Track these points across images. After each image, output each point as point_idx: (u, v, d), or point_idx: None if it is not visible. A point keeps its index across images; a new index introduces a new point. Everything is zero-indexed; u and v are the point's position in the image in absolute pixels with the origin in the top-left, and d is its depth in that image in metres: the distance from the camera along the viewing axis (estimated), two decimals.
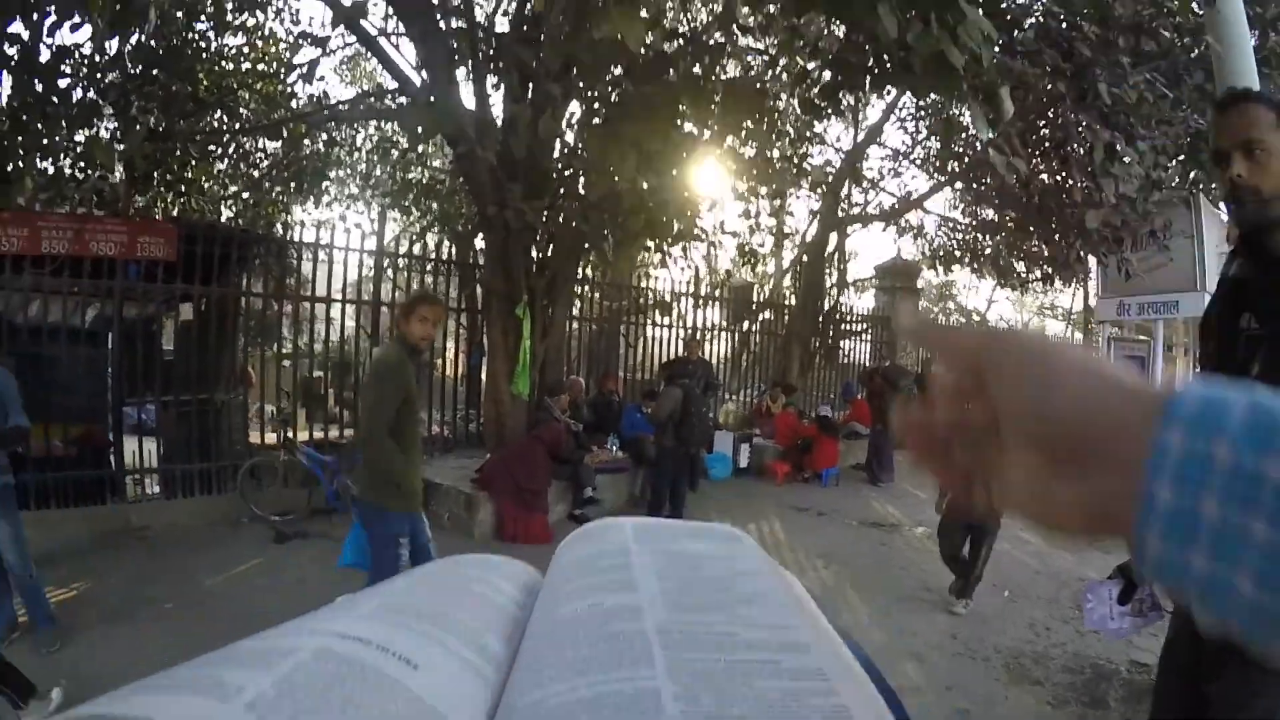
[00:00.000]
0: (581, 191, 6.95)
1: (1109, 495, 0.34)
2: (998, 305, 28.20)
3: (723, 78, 6.44)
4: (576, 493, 7.23)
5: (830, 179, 11.67)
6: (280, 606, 4.64)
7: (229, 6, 9.45)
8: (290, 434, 7.41)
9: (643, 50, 5.57)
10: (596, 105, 6.41)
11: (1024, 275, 12.11)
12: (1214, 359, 1.67)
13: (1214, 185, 9.17)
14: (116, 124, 7.90)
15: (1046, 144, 8.23)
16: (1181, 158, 9.05)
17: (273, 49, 10.78)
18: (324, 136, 11.67)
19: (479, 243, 9.19)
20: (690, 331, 10.88)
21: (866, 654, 0.45)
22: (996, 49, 7.14)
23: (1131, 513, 0.33)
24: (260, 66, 10.61)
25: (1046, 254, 9.94)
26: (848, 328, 14.29)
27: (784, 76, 8.40)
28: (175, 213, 10.10)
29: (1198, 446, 0.31)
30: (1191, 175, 9.64)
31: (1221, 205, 9.33)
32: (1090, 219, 7.42)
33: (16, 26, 4.99)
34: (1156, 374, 9.97)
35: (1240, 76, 5.35)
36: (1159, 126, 7.84)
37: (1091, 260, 10.25)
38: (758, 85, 6.27)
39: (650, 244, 7.79)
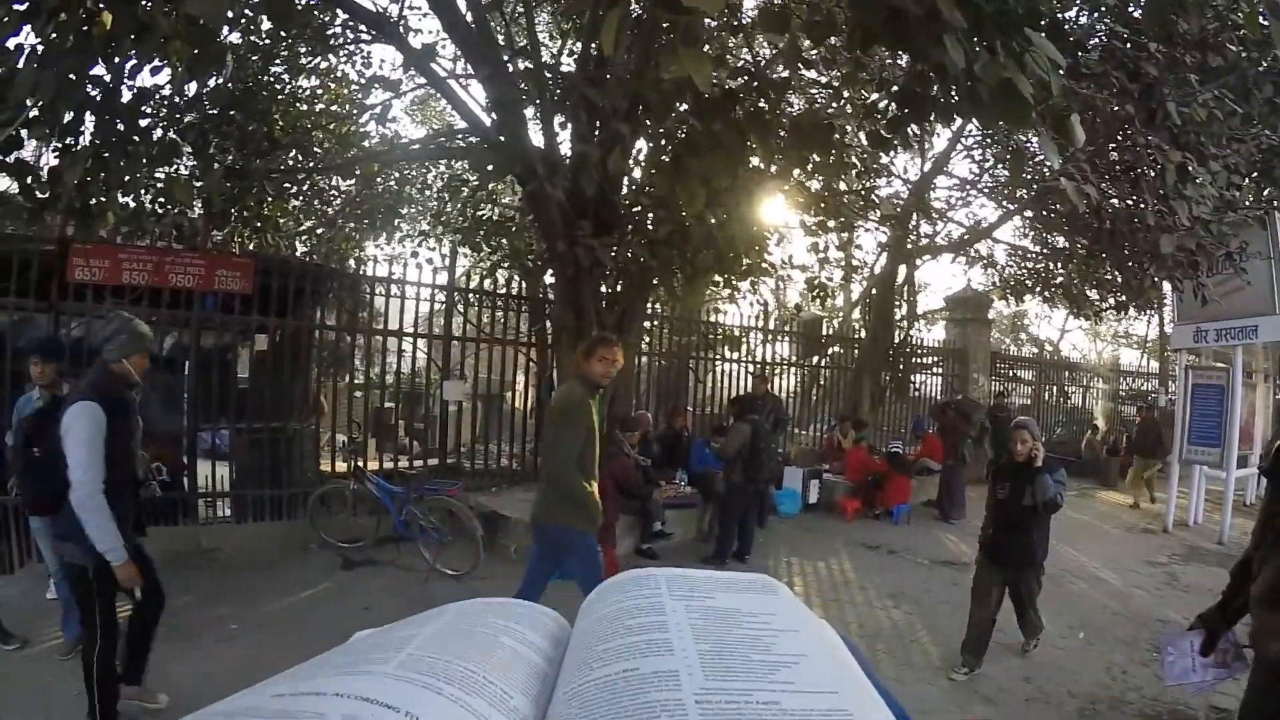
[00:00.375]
0: (650, 228, 7.03)
1: None
2: (1071, 335, 27.47)
3: (788, 112, 6.48)
4: (645, 527, 7.26)
5: (898, 212, 11.60)
6: (346, 633, 4.79)
7: (303, 50, 9.82)
8: (360, 463, 7.62)
9: (710, 86, 5.66)
10: (664, 142, 6.50)
11: (1097, 303, 11.79)
12: None
13: None
14: (195, 162, 8.24)
15: (1116, 167, 8.05)
16: (1255, 175, 8.77)
17: (345, 91, 11.17)
18: (395, 174, 12.00)
19: (549, 278, 9.33)
20: (759, 367, 10.86)
21: (908, 716, 0.46)
22: (1063, 75, 7.08)
23: None
24: (334, 108, 10.97)
25: (1119, 281, 9.68)
26: (918, 361, 14.17)
27: (849, 109, 8.41)
28: (252, 247, 10.49)
29: None
30: (1266, 193, 9.34)
31: None
32: (1164, 243, 7.22)
33: (99, 69, 5.25)
34: (1236, 403, 9.63)
35: None
36: (1230, 144, 7.62)
37: (1166, 286, 9.97)
38: (823, 119, 6.30)
39: (719, 279, 7.83)
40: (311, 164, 10.78)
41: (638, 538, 7.29)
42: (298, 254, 11.59)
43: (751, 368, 10.80)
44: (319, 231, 12.30)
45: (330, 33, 9.58)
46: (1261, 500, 1.90)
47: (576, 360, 4.40)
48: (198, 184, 7.99)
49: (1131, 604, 6.69)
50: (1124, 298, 10.26)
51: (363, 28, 8.79)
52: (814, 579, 6.95)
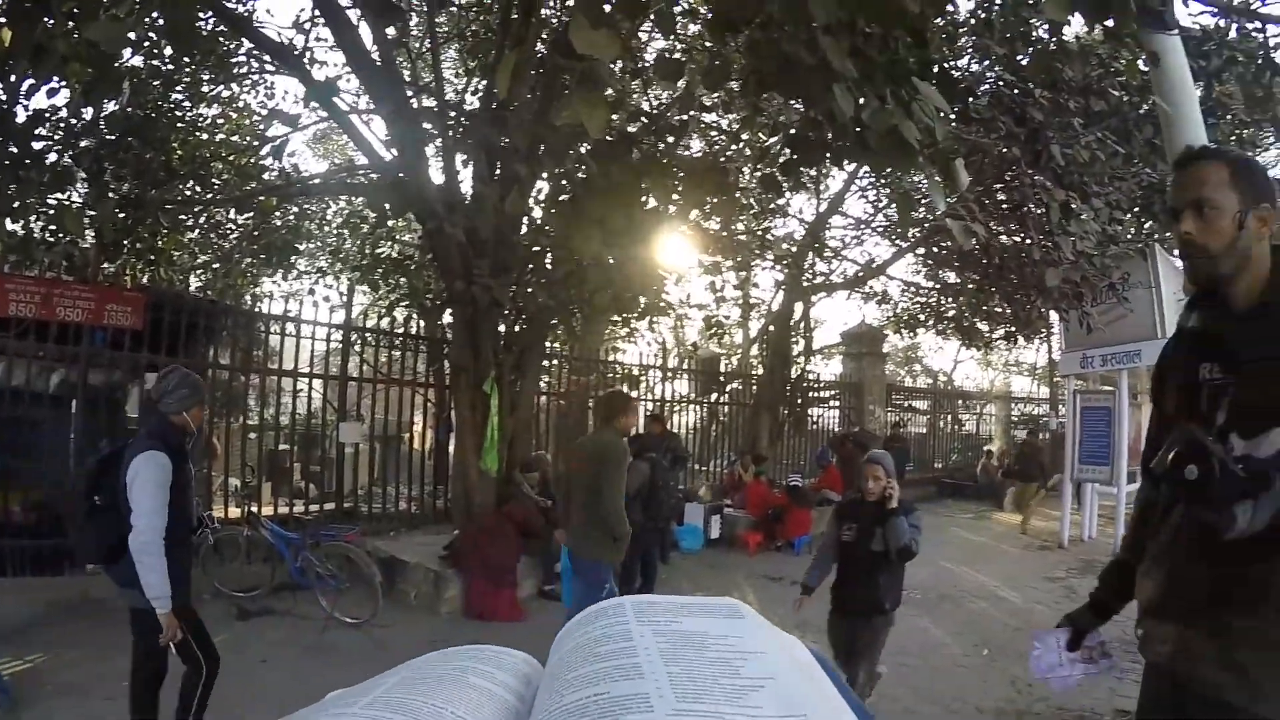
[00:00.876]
0: (548, 267, 7.02)
1: None
2: (964, 365, 28.42)
3: (685, 155, 6.56)
4: (547, 569, 7.15)
5: (794, 251, 11.87)
6: (242, 687, 4.55)
7: (205, 78, 9.56)
8: (254, 508, 7.31)
9: (607, 130, 5.68)
10: (563, 183, 6.50)
11: (987, 334, 12.30)
12: (1176, 409, 1.70)
13: (1169, 235, 9.42)
14: (89, 190, 7.92)
15: (1004, 206, 8.41)
16: (1136, 210, 9.27)
17: (246, 121, 10.86)
18: (294, 209, 11.72)
19: (447, 318, 9.21)
20: (658, 405, 10.88)
21: None
22: (954, 119, 7.36)
23: None
24: (234, 138, 10.68)
25: (1009, 313, 10.11)
26: (815, 395, 14.47)
27: (747, 152, 8.60)
28: (144, 281, 10.06)
29: None
30: (1146, 227, 9.87)
31: (1177, 255, 9.58)
32: (1050, 277, 7.55)
33: None
34: (1123, 423, 10.10)
35: (1187, 132, 5.56)
36: (1112, 182, 8.05)
37: (1053, 316, 10.43)
38: (719, 162, 6.40)
39: (617, 318, 7.86)
40: (209, 196, 10.45)
41: (540, 579, 7.17)
42: (192, 289, 11.15)
43: (651, 406, 10.82)
44: (215, 266, 11.87)
45: (234, 61, 9.37)
46: (1135, 506, 1.98)
47: (607, 417, 5.07)
48: (90, 213, 7.68)
49: (1032, 619, 6.88)
50: (1013, 328, 10.75)
51: (267, 58, 8.57)
52: None
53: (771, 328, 13.50)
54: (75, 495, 3.87)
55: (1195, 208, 1.59)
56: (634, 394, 10.60)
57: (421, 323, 9.94)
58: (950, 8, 7.23)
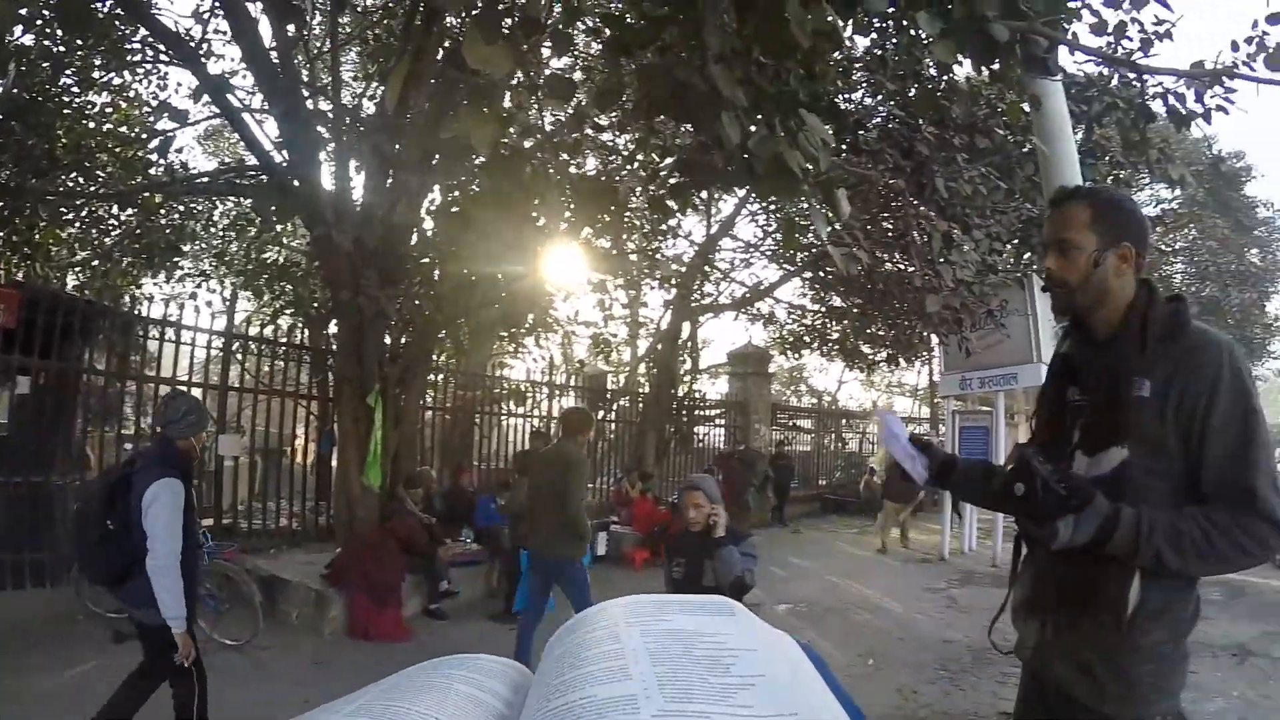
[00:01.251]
0: (437, 280, 6.94)
1: None
2: (848, 385, 29.25)
3: (578, 173, 6.58)
4: (432, 587, 7.04)
5: (682, 274, 12.05)
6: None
7: (97, 63, 9.13)
8: None
9: (500, 144, 5.66)
10: (454, 194, 6.44)
11: (871, 357, 12.72)
12: (1045, 428, 1.83)
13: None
14: None
15: (889, 235, 8.72)
16: (1015, 242, 9.74)
17: (136, 112, 10.36)
18: (180, 208, 11.22)
19: (332, 328, 8.99)
20: (544, 421, 10.86)
21: None
22: (844, 150, 7.61)
23: None
24: (122, 129, 10.17)
25: (891, 336, 10.50)
26: (702, 413, 14.69)
27: (641, 172, 8.69)
28: (19, 277, 9.47)
29: None
30: (1025, 258, 10.40)
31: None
32: (930, 303, 7.84)
33: None
34: (1000, 442, 10.62)
35: (1063, 171, 5.92)
36: (993, 215, 8.42)
37: (934, 340, 10.90)
38: (612, 181, 6.45)
39: (504, 333, 7.81)
40: (92, 188, 9.92)
41: (425, 597, 7.05)
42: (68, 287, 10.54)
43: (536, 423, 10.80)
44: (94, 264, 11.24)
45: (128, 48, 8.92)
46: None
47: (570, 430, 5.66)
48: None
49: (915, 629, 7.18)
50: (895, 351, 11.16)
51: (162, 47, 8.21)
52: None
53: (659, 346, 13.68)
54: (84, 517, 3.81)
55: (1059, 246, 1.73)
56: (520, 409, 10.61)
57: (306, 332, 9.71)
58: (848, 44, 7.50)
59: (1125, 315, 1.70)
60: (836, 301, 12.04)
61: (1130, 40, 5.94)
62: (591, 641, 0.51)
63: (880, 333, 10.73)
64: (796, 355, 15.25)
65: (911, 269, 8.31)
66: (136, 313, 8.07)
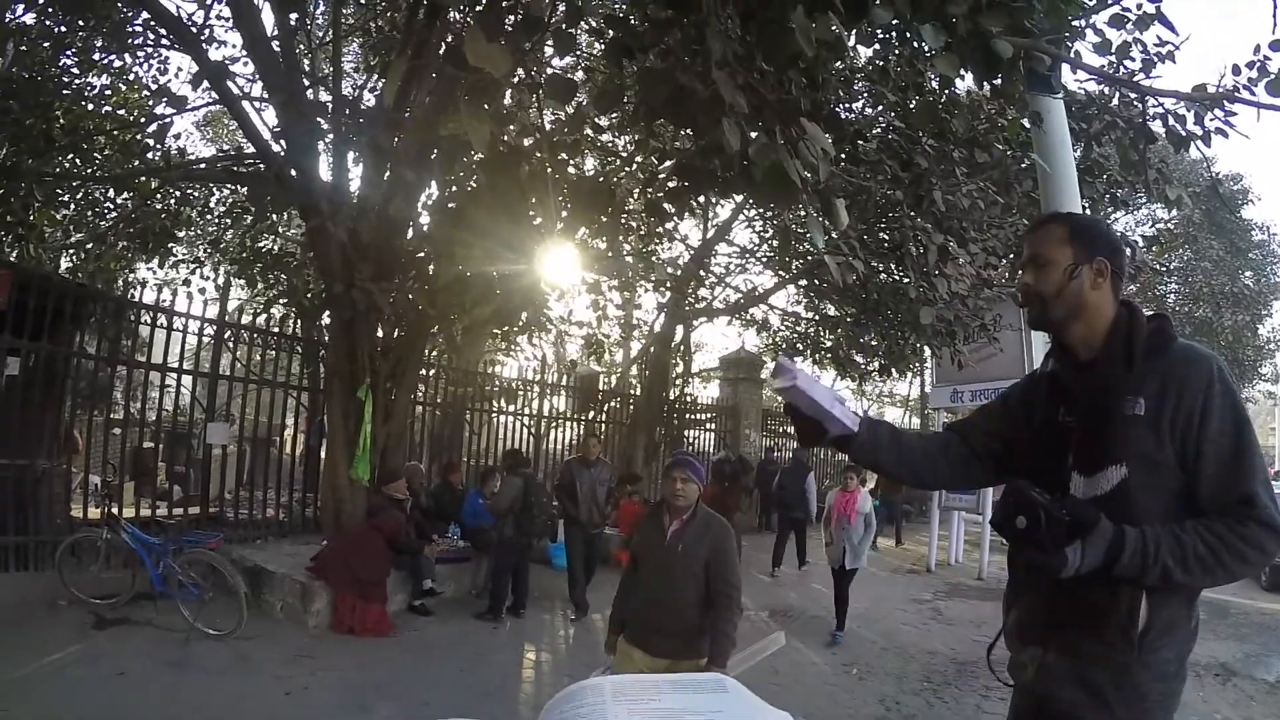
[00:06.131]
0: (431, 275, 6.92)
1: None
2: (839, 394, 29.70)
3: (576, 173, 6.58)
4: (417, 583, 7.02)
5: (676, 278, 12.07)
6: (98, 702, 4.38)
7: (98, 45, 9.09)
8: (114, 509, 6.91)
9: (498, 142, 5.65)
10: (451, 190, 6.43)
11: (863, 366, 12.73)
12: (1036, 449, 1.82)
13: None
14: None
15: (885, 245, 8.72)
16: (1011, 257, 9.76)
17: (135, 95, 10.32)
18: (176, 194, 11.19)
19: (325, 320, 8.96)
20: (534, 420, 10.85)
21: None
22: (842, 159, 7.61)
23: None
24: (120, 112, 10.12)
25: (884, 347, 10.51)
26: (692, 417, 14.72)
27: (639, 175, 8.68)
28: (12, 257, 9.43)
29: None
30: (1020, 273, 10.41)
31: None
32: (924, 315, 7.85)
33: None
34: None
35: (1062, 188, 5.95)
36: (990, 230, 8.45)
37: (926, 352, 10.92)
38: (608, 183, 6.44)
39: (497, 331, 7.80)
40: (89, 171, 9.86)
41: (410, 593, 7.02)
42: (61, 270, 10.49)
43: (528, 420, 10.77)
44: (88, 247, 11.20)
45: (129, 30, 8.89)
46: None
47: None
48: None
49: (899, 639, 7.22)
50: (887, 362, 11.16)
51: (163, 30, 8.18)
52: (587, 633, 6.93)
53: (652, 349, 13.74)
54: None
55: (1033, 261, 1.78)
56: (511, 407, 10.60)
57: (298, 323, 9.68)
58: (850, 54, 7.50)
59: (1108, 335, 1.72)
60: (830, 310, 12.11)
61: (1133, 60, 5.94)
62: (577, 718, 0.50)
63: (873, 343, 10.73)
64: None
65: (907, 280, 8.31)
66: (129, 297, 8.03)
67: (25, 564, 6.72)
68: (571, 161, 6.49)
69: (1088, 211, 8.60)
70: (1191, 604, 1.66)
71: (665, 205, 5.73)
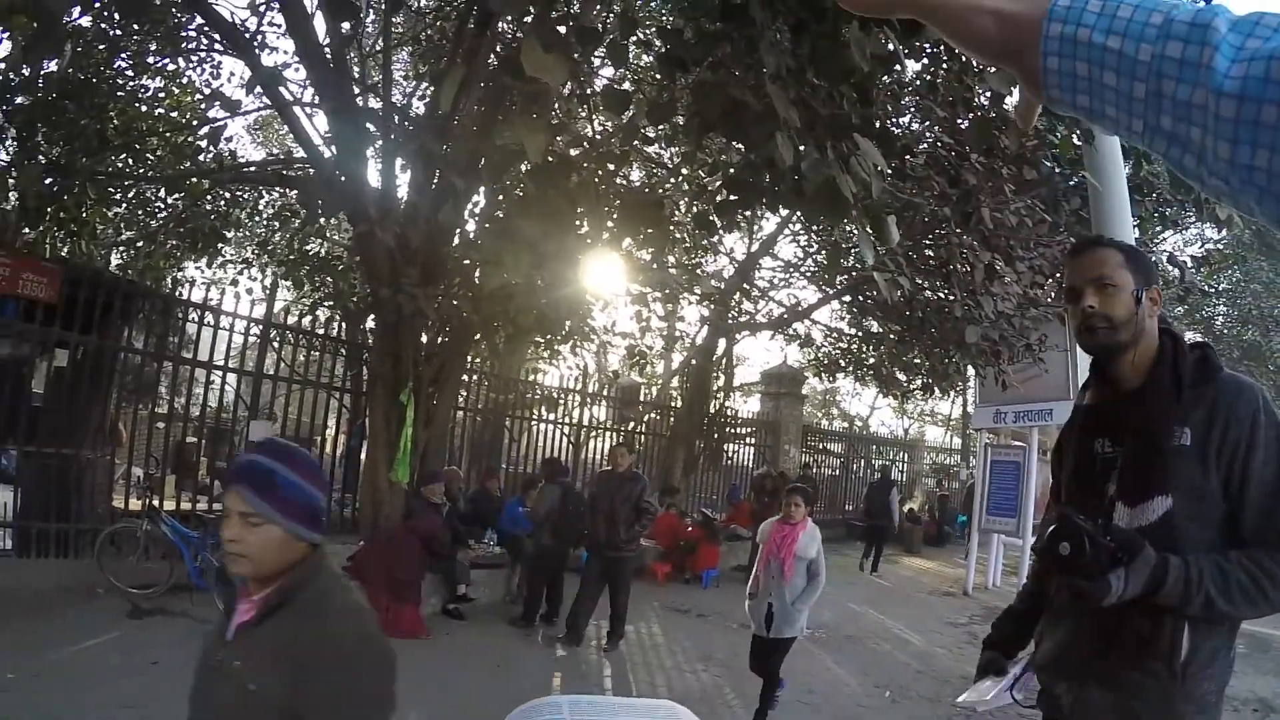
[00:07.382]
0: (476, 282, 6.97)
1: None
2: (880, 411, 28.96)
3: (623, 185, 6.58)
4: (451, 587, 7.05)
5: (720, 291, 12.01)
6: (130, 689, 4.40)
7: (152, 48, 9.28)
8: (155, 501, 7.01)
9: (549, 152, 5.68)
10: (499, 199, 6.47)
11: (905, 384, 12.62)
12: (1073, 481, 1.81)
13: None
14: (16, 150, 7.55)
15: (931, 262, 8.63)
16: (1058, 276, 9.62)
17: (188, 98, 10.53)
18: (226, 195, 11.40)
19: (370, 323, 9.06)
20: (574, 429, 10.86)
21: None
22: (889, 175, 7.55)
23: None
24: (173, 114, 10.34)
25: (927, 365, 10.39)
26: (732, 431, 14.61)
27: (685, 186, 8.66)
28: (64, 253, 9.67)
29: None
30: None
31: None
32: (969, 334, 7.76)
33: None
34: (1031, 478, 10.45)
35: (1114, 206, 5.84)
36: (1037, 248, 8.33)
37: (970, 371, 10.77)
38: (656, 195, 6.44)
39: (540, 340, 7.82)
40: (141, 170, 10.08)
41: (444, 596, 7.06)
42: (111, 266, 10.71)
43: (567, 429, 10.79)
44: (138, 244, 11.45)
45: (184, 35, 9.08)
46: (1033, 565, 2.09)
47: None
48: (13, 176, 7.35)
49: (933, 663, 7.08)
50: (930, 380, 11.04)
51: (217, 36, 8.36)
52: (624, 642, 6.91)
53: (694, 361, 13.69)
54: None
55: (1097, 284, 1.72)
56: (551, 416, 10.63)
57: (343, 325, 9.79)
58: (897, 68, 7.44)
59: (1154, 364, 1.70)
60: (874, 327, 12.01)
61: None
62: None
63: (917, 360, 10.64)
64: (831, 379, 15.16)
65: (952, 298, 8.22)
66: (177, 295, 8.21)
67: (66, 551, 6.86)
68: (619, 173, 6.49)
69: (1137, 230, 8.45)
70: (1232, 636, 1.65)
71: (713, 218, 5.72)
